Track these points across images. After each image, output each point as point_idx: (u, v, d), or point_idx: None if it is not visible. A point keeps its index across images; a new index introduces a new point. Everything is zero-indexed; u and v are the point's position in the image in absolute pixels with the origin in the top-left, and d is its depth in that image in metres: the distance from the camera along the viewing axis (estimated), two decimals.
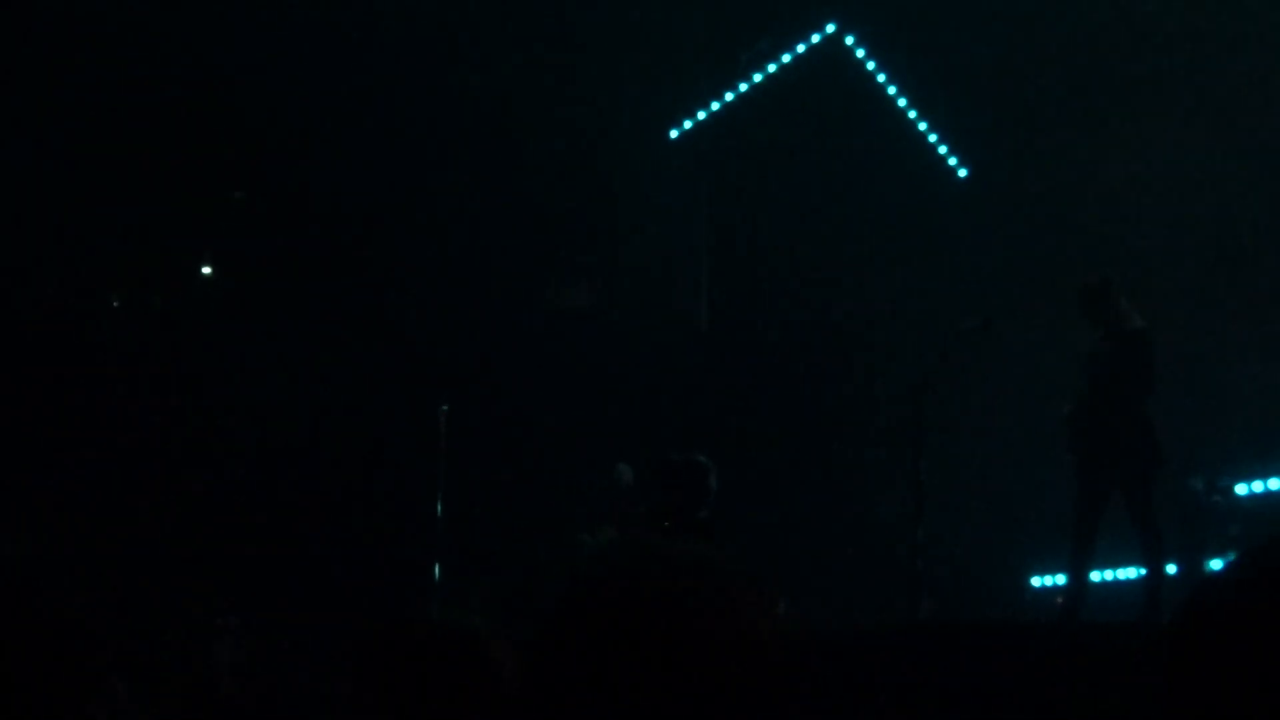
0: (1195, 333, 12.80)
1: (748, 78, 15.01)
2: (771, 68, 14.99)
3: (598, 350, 14.72)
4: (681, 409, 14.30)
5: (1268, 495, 12.11)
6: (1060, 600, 10.11)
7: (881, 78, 15.07)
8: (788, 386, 14.92)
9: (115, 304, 14.50)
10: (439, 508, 10.89)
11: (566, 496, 12.17)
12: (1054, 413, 9.91)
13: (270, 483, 13.71)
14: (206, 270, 14.80)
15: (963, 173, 15.10)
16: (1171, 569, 10.20)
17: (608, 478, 11.42)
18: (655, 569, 1.58)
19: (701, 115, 15.18)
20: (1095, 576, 11.78)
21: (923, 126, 15.09)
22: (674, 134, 15.21)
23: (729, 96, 15.11)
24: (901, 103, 15.10)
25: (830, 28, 14.92)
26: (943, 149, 15.06)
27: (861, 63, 15.01)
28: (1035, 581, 13.35)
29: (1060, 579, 11.55)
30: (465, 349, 14.10)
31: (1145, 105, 13.65)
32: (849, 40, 14.99)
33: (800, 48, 14.94)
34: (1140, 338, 9.25)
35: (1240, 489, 11.96)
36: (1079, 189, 14.01)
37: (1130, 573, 12.12)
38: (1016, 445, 13.37)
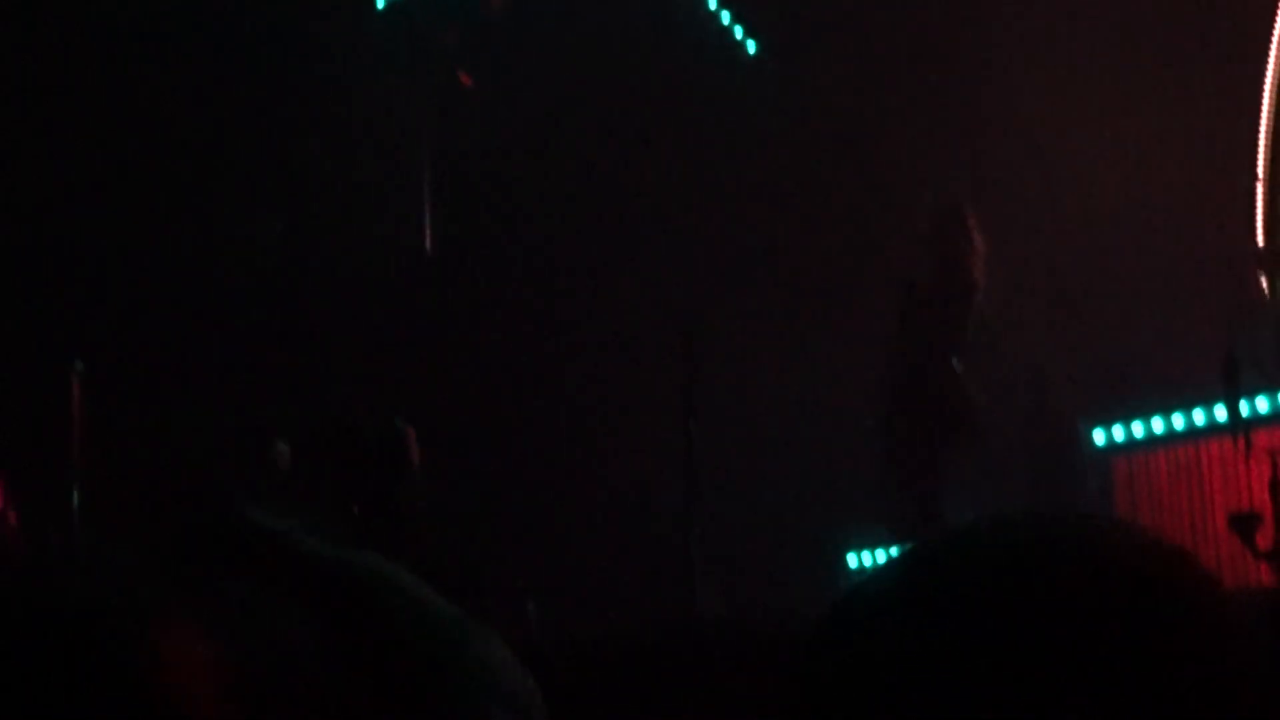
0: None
1: None
2: None
3: (279, 293, 14.48)
4: (394, 364, 14.12)
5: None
6: None
7: None
8: (533, 330, 14.76)
9: None
10: (74, 497, 10.71)
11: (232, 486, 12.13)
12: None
13: None
14: None
15: (751, 48, 15.29)
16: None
17: (261, 459, 11.34)
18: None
19: None
20: None
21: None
22: (381, 2, 14.96)
23: None
24: None
25: None
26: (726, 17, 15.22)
27: None
28: (852, 560, 13.45)
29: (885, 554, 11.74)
30: (106, 293, 13.73)
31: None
32: None
33: None
34: (963, 269, 9.35)
35: (1100, 436, 12.18)
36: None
37: None
38: (826, 389, 13.33)
